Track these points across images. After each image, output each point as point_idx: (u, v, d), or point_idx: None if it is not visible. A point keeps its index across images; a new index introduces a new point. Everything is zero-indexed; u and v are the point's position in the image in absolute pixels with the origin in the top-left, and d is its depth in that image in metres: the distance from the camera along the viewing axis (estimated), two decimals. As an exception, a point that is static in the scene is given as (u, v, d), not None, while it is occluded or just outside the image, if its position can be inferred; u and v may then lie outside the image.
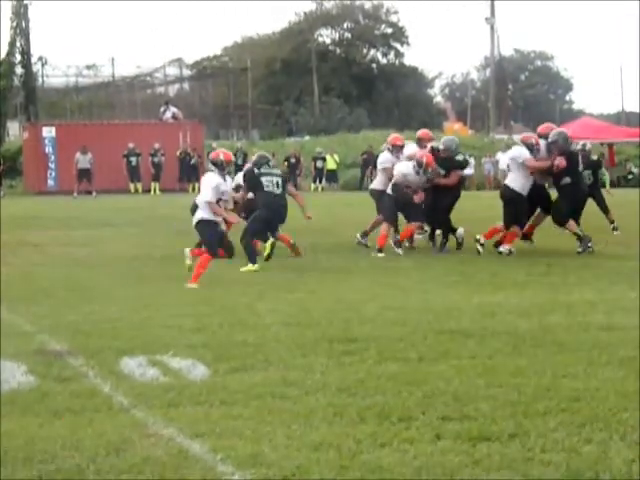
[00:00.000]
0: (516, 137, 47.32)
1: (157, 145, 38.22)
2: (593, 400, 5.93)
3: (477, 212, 19.86)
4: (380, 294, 10.32)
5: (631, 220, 18.31)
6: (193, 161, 38.64)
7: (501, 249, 14.50)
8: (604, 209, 18.12)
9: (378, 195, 15.47)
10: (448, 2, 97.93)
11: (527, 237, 15.22)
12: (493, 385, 6.31)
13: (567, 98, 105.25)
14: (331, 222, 19.97)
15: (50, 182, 37.84)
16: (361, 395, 6.11)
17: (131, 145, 37.68)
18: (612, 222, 17.94)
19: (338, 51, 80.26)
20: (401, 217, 15.23)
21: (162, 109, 42.83)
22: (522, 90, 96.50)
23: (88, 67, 54.21)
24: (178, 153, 38.89)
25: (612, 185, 38.28)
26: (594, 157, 19.60)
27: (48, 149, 38.05)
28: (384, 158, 15.81)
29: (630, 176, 43.39)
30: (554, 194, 15.35)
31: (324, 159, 41.89)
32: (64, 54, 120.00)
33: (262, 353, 7.33)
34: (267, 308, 9.39)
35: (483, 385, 6.32)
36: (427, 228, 15.92)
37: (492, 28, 61.84)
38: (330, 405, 5.87)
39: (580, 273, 12.04)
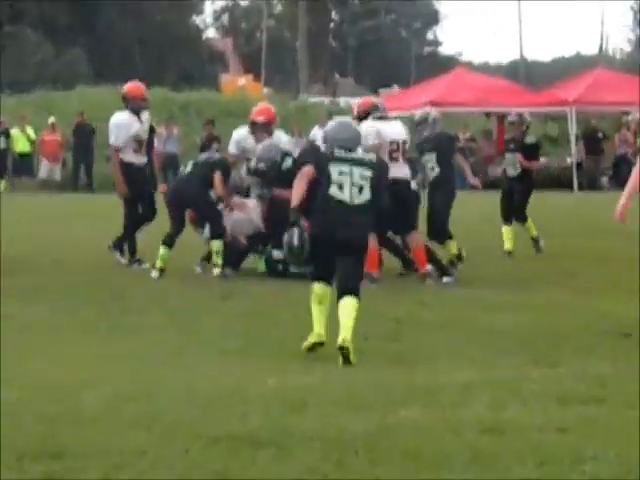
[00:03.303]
0: (345, 100, 32.78)
1: None
2: None
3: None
4: (108, 372, 6.93)
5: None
6: None
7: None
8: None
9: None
10: None
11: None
12: None
13: (430, 36, 72.98)
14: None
15: None
16: None
17: None
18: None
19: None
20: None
21: None
22: (354, 22, 63.67)
23: None
24: None
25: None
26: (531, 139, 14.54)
27: None
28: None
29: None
30: None
31: (7, 134, 27.71)
32: None
33: None
34: None
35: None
36: None
37: None
38: None
39: (445, 335, 8.54)
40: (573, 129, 29.66)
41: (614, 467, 4.65)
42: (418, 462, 4.66)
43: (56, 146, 28.58)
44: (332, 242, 7.58)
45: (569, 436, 5.17)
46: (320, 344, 7.51)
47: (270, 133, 12.00)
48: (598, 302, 10.27)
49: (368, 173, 7.72)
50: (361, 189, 7.66)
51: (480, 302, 10.35)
